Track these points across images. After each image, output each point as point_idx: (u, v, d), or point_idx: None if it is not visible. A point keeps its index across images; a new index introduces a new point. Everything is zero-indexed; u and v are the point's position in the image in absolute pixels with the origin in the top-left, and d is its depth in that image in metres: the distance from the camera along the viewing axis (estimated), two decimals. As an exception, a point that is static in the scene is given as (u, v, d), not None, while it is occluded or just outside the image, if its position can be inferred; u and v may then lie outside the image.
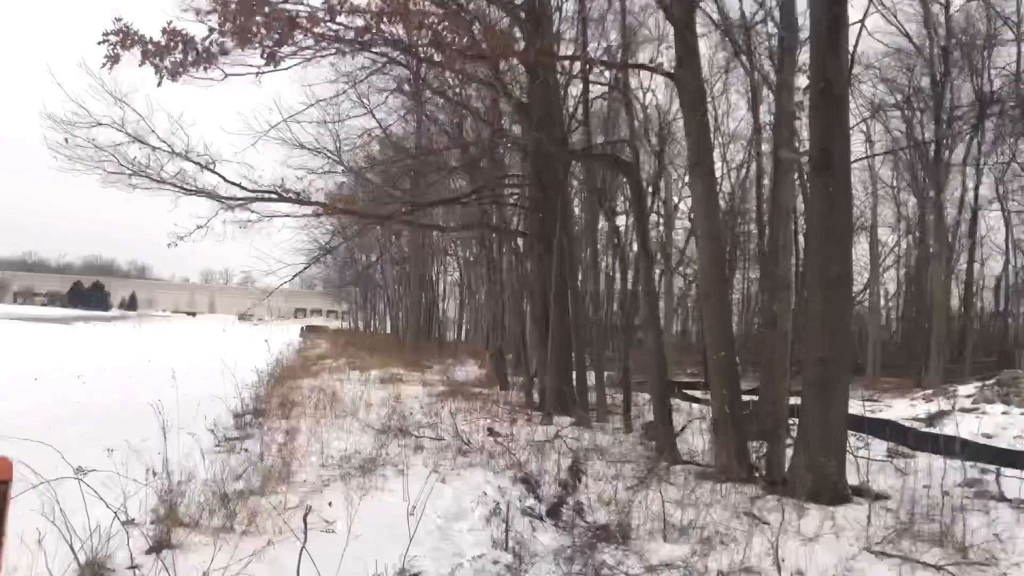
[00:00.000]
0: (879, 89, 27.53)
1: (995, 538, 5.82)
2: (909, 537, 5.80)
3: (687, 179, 27.24)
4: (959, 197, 28.06)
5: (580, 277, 18.06)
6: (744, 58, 17.32)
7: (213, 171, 12.61)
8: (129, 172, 12.28)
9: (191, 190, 12.69)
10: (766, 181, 21.22)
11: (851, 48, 11.58)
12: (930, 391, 19.83)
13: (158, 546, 4.74)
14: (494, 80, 12.92)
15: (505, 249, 22.61)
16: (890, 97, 27.73)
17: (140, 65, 9.41)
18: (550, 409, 12.95)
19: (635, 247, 20.67)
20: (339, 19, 9.16)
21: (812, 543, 5.71)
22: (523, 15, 13.88)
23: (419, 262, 32.77)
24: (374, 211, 15.65)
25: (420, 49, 10.58)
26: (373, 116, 20.13)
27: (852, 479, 7.62)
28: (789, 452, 8.06)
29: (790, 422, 8.63)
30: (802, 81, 10.95)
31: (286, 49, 9.38)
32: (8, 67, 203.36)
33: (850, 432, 8.67)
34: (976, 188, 28.10)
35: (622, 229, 23.61)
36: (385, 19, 9.25)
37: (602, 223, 21.58)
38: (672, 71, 9.94)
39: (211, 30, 9.14)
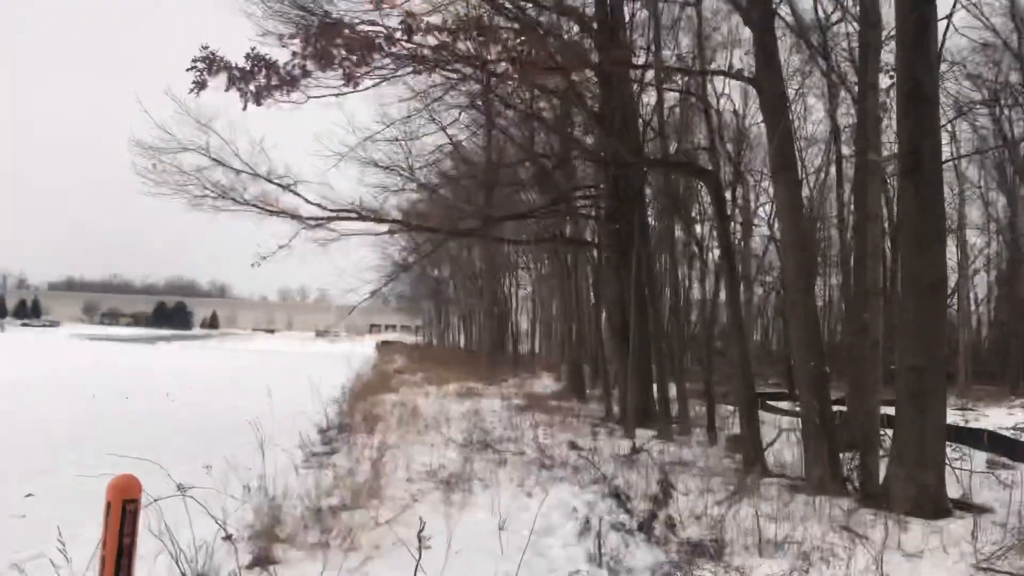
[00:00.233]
0: (963, 86, 26.28)
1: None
2: (1020, 553, 5.46)
3: (764, 185, 26.71)
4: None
5: (658, 287, 17.78)
6: (821, 60, 16.89)
7: (295, 192, 12.96)
8: (214, 195, 12.71)
9: (274, 211, 13.04)
10: (846, 185, 20.57)
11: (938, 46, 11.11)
12: (1029, 399, 18.82)
13: (260, 561, 4.81)
14: (569, 91, 12.87)
15: (579, 261, 22.49)
16: (976, 94, 26.44)
17: (226, 90, 9.67)
18: (631, 422, 12.76)
19: (714, 256, 20.29)
20: (415, 39, 9.28)
21: (916, 559, 5.46)
22: (595, 25, 13.83)
23: (492, 276, 32.95)
24: (449, 227, 15.79)
25: (494, 65, 10.61)
26: (445, 132, 20.35)
27: (952, 492, 7.33)
28: (882, 464, 7.79)
29: (881, 433, 8.32)
30: (883, 81, 10.61)
31: (364, 70, 9.55)
32: (98, 97, 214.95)
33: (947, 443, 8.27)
34: (1070, 185, 26.55)
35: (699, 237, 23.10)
36: (460, 36, 9.34)
37: (678, 232, 21.22)
38: (752, 76, 9.74)
39: (293, 54, 9.38)
